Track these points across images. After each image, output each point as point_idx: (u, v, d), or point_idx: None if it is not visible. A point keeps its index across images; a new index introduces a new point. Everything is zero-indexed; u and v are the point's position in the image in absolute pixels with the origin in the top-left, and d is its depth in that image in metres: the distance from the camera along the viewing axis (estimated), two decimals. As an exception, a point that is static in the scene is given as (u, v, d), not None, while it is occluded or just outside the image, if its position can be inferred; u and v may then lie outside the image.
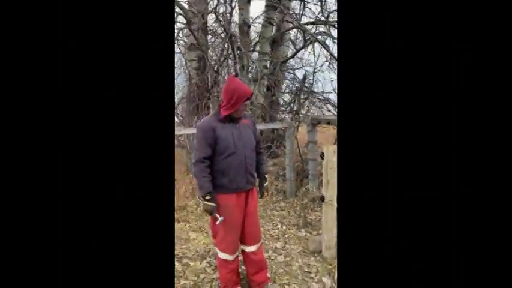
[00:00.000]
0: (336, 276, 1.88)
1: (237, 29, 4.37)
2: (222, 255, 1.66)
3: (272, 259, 2.17)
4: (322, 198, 2.16)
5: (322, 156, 2.17)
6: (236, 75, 3.85)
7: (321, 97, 4.21)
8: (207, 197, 1.51)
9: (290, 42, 4.87)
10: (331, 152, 2.10)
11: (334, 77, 4.34)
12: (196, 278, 1.88)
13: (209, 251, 2.19)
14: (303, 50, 4.41)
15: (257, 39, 4.72)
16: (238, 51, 3.95)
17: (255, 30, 4.76)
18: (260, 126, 3.83)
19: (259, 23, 4.62)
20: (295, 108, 4.32)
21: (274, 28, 4.54)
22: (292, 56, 4.43)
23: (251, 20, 4.41)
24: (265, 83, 4.42)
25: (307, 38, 4.05)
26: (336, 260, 2.06)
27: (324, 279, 1.88)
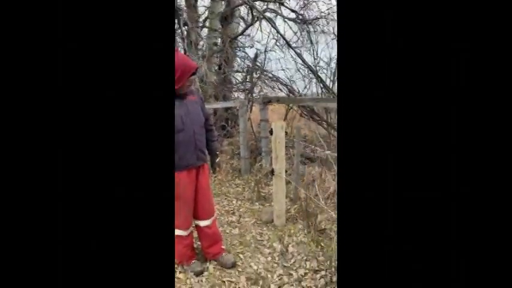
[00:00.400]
0: (285, 241, 2.07)
1: (183, 3, 4.13)
2: (176, 232, 1.67)
3: (227, 232, 2.25)
4: (272, 172, 2.29)
5: (271, 132, 2.27)
6: (184, 52, 3.70)
7: (270, 75, 4.29)
8: None
9: (241, 19, 4.79)
10: (279, 128, 2.20)
11: (282, 55, 4.44)
12: (151, 257, 1.89)
13: (164, 231, 2.20)
14: (254, 27, 4.38)
15: (206, 14, 4.53)
16: (185, 27, 3.76)
17: (203, 4, 4.55)
18: (213, 105, 3.80)
19: (208, -3, 4.42)
20: (247, 87, 4.35)
21: (224, 3, 4.40)
22: (241, 33, 4.36)
23: (198, -7, 4.19)
24: (217, 60, 4.34)
25: (255, 14, 4.02)
26: (285, 227, 2.25)
27: (275, 244, 2.04)
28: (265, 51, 4.35)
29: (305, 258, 1.84)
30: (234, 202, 2.80)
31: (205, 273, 1.73)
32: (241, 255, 1.92)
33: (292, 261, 1.84)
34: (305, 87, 4.48)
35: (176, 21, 3.72)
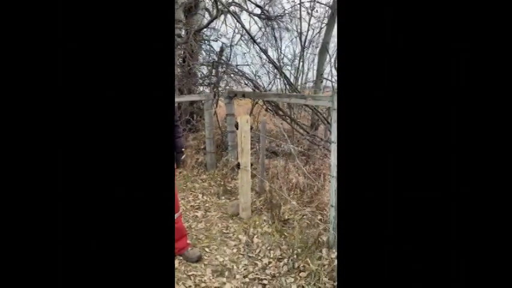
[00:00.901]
0: (250, 232, 2.12)
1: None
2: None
3: (193, 227, 2.22)
4: (238, 165, 2.31)
5: (236, 126, 2.29)
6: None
7: (236, 70, 4.28)
8: None
9: (206, 11, 4.67)
10: (244, 122, 2.22)
11: (247, 50, 4.46)
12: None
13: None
14: (219, 21, 4.30)
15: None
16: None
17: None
18: (177, 99, 3.69)
19: (171, -14, 4.22)
20: (213, 81, 4.29)
21: (187, -7, 4.24)
22: (206, 26, 4.27)
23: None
24: (181, 53, 4.20)
25: (220, 7, 3.96)
26: (251, 219, 2.30)
27: (240, 236, 2.08)
28: (231, 45, 4.31)
29: (269, 247, 1.89)
30: (200, 197, 2.77)
31: (171, 268, 1.71)
32: (207, 249, 1.91)
33: (257, 251, 1.88)
34: (270, 82, 4.55)
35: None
